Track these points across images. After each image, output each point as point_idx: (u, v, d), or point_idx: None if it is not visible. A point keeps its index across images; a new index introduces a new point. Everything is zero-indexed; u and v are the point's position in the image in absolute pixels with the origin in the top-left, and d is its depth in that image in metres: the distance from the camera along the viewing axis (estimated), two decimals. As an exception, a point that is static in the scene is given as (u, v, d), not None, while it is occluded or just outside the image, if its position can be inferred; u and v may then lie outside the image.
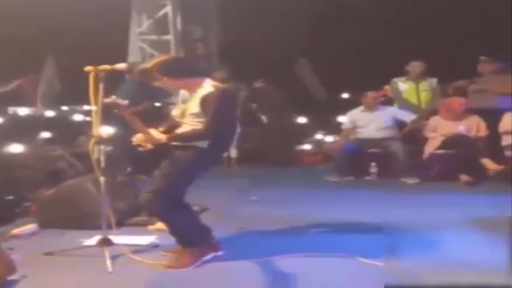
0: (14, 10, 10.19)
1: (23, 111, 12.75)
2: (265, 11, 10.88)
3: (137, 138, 4.35)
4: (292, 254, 4.42)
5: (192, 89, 4.37)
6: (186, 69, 4.42)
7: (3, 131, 10.32)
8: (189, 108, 4.34)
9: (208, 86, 4.31)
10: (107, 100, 4.31)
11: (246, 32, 11.51)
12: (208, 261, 4.39)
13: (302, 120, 11.42)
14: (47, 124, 10.80)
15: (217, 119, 4.20)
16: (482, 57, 8.50)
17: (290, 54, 12.42)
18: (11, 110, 12.99)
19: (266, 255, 4.38)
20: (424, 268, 4.06)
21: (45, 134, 9.85)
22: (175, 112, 4.52)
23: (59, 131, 10.24)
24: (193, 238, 4.42)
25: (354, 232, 5.16)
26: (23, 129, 9.61)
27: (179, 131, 4.39)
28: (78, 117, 12.07)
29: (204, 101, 4.24)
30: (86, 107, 11.23)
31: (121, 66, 4.49)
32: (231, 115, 4.51)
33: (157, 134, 4.32)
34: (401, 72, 9.01)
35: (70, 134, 9.87)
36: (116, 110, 4.37)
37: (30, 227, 5.36)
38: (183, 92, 4.50)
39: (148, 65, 4.36)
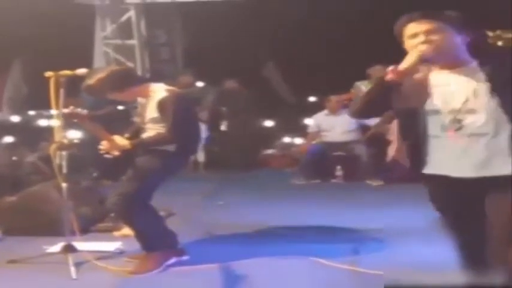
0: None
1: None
2: (230, 14, 10.91)
3: (103, 145, 4.35)
4: (255, 258, 4.46)
5: (144, 96, 4.41)
6: (127, 79, 4.43)
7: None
8: (147, 114, 4.37)
9: (161, 91, 4.36)
10: (65, 110, 4.31)
11: (210, 35, 11.52)
12: (173, 265, 4.40)
13: (270, 123, 11.49)
14: (12, 129, 10.66)
15: (177, 122, 4.23)
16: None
17: (257, 57, 12.49)
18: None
19: (230, 260, 4.41)
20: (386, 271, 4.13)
21: (9, 139, 9.73)
22: (136, 118, 4.54)
23: (24, 136, 10.13)
24: (157, 243, 4.43)
25: (319, 235, 5.22)
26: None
27: (143, 136, 4.41)
28: (43, 122, 11.95)
29: (160, 105, 4.27)
30: (52, 112, 11.10)
31: (82, 71, 4.47)
32: (191, 118, 4.55)
33: (122, 141, 4.32)
34: (364, 76, 9.12)
35: (34, 139, 9.77)
36: (75, 120, 4.37)
37: (-7, 234, 5.31)
38: (140, 99, 4.52)
39: (91, 81, 4.33)
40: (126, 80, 4.41)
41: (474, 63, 2.81)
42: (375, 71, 8.91)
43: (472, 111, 2.73)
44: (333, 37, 11.66)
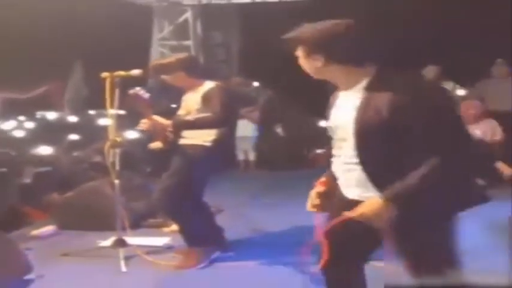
0: (42, 16, 10.43)
1: (50, 115, 12.99)
2: (286, 14, 10.96)
3: (143, 122, 4.47)
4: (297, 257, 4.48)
5: (194, 89, 4.53)
6: (197, 68, 4.64)
7: (32, 134, 10.55)
8: (190, 107, 4.48)
9: (209, 84, 4.50)
10: (131, 91, 4.44)
11: (266, 36, 11.59)
12: (217, 260, 4.50)
13: (322, 123, 11.46)
14: (73, 128, 10.99)
15: (222, 109, 4.30)
16: (499, 60, 8.49)
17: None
18: (39, 114, 13.24)
19: (273, 258, 4.47)
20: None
21: (70, 138, 10.03)
22: (180, 111, 4.65)
23: (85, 135, 10.42)
24: (202, 238, 4.53)
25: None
26: (50, 133, 9.78)
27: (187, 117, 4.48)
28: (103, 122, 12.27)
29: (206, 96, 4.39)
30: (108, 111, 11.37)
31: (136, 72, 4.63)
32: (233, 113, 4.63)
33: (163, 120, 4.46)
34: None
35: (95, 138, 10.05)
36: (136, 103, 4.47)
37: (49, 228, 5.53)
38: (187, 94, 4.64)
39: (171, 58, 4.67)
40: (196, 68, 4.62)
41: (363, 83, 2.45)
42: (429, 71, 8.83)
43: (343, 140, 2.49)
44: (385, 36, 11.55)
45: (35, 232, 5.43)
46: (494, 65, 8.55)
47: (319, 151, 10.34)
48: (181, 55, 4.78)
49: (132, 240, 4.72)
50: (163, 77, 4.61)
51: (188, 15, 11.32)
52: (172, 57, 4.77)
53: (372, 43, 2.52)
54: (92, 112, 13.83)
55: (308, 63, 2.52)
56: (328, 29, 2.47)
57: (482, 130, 8.03)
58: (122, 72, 4.54)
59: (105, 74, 4.53)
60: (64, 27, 11.21)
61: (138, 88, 4.49)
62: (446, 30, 10.56)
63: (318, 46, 2.46)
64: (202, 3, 11.23)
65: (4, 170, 6.16)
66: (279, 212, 6.33)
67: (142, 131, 7.27)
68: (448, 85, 8.90)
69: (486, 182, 7.45)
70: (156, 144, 4.51)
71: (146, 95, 4.46)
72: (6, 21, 10.07)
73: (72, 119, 12.31)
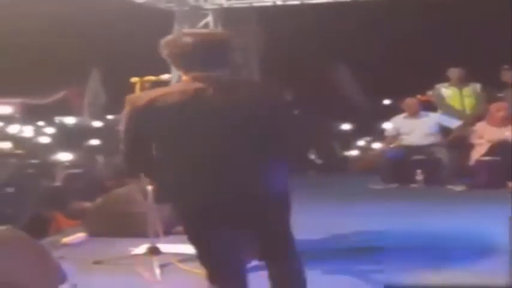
0: (61, 23, 10.43)
1: (69, 120, 13.03)
2: (304, 18, 10.88)
3: None
4: (326, 265, 4.40)
5: None
6: None
7: (51, 139, 10.56)
8: None
9: None
10: (163, 76, 4.35)
11: (286, 40, 11.52)
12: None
13: (346, 126, 11.38)
14: (93, 133, 10.98)
15: None
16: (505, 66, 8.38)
17: (327, 60, 12.41)
18: (57, 119, 13.28)
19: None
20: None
21: (90, 142, 10.01)
22: None
23: (104, 140, 10.40)
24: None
25: (394, 242, 5.09)
26: (69, 138, 9.79)
27: None
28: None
29: None
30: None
31: (166, 76, 4.55)
32: None
33: None
34: (442, 79, 8.91)
35: (114, 142, 10.00)
36: None
37: (80, 235, 5.47)
38: None
39: None
40: None
41: None
42: (455, 73, 8.71)
43: None
44: (409, 36, 11.46)
45: (65, 240, 5.36)
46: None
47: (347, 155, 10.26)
48: None
49: (166, 247, 4.63)
50: None
51: (209, 19, 11.22)
52: None
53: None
54: (110, 117, 13.84)
55: None
56: None
57: (512, 132, 7.91)
58: (152, 77, 4.46)
59: (134, 79, 4.45)
60: (83, 32, 11.20)
61: (167, 75, 4.43)
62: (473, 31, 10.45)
63: None
64: (223, 7, 11.13)
65: (32, 173, 6.11)
66: (307, 216, 6.22)
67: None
68: (475, 87, 8.78)
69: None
70: None
71: None
72: (26, 29, 10.07)
73: (93, 123, 12.30)
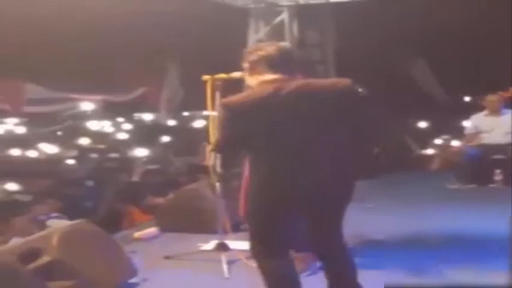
0: (139, 20, 10.64)
1: (147, 117, 13.29)
2: (381, 13, 10.68)
3: None
4: (395, 267, 4.29)
5: None
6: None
7: (129, 135, 10.82)
8: None
9: None
10: (234, 74, 4.34)
11: (362, 36, 11.35)
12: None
13: (423, 124, 11.13)
14: (169, 130, 11.16)
15: None
16: None
17: (406, 56, 12.14)
18: (136, 116, 13.58)
19: (376, 263, 4.28)
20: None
21: (167, 139, 10.18)
22: None
23: (180, 136, 10.56)
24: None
25: (471, 245, 4.93)
26: (146, 135, 9.98)
27: None
28: (199, 124, 12.39)
29: None
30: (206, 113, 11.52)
31: (237, 74, 4.55)
32: None
33: None
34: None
35: (190, 139, 10.14)
36: None
37: (152, 230, 5.56)
38: None
39: None
40: None
41: None
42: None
43: None
44: (488, 31, 11.05)
45: (137, 234, 5.48)
46: None
47: (423, 153, 10.04)
48: None
49: (234, 244, 4.65)
50: None
51: (285, 16, 11.20)
52: None
53: None
54: (186, 114, 14.05)
55: None
56: None
57: None
58: (223, 75, 4.48)
59: (205, 77, 4.49)
60: (161, 30, 11.40)
61: (238, 73, 4.37)
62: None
63: None
64: (299, 3, 11.09)
65: (111, 167, 6.29)
66: (380, 216, 6.13)
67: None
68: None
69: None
70: None
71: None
72: (105, 25, 10.33)
73: (170, 120, 12.50)
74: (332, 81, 3.56)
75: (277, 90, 3.16)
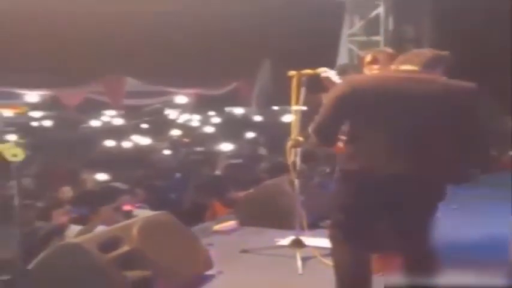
0: (234, 15, 10.78)
1: (238, 111, 13.42)
2: (478, 8, 10.27)
3: None
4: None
5: None
6: None
7: (221, 129, 10.98)
8: None
9: None
10: (322, 73, 4.32)
11: (459, 30, 10.95)
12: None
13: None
14: (256, 125, 11.21)
15: None
16: None
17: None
18: (227, 109, 13.74)
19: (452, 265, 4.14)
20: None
21: (254, 134, 10.24)
22: None
23: (269, 131, 10.59)
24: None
25: None
26: (234, 129, 10.07)
27: None
28: (287, 118, 12.39)
29: None
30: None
31: (322, 70, 4.50)
32: None
33: None
34: None
35: (280, 134, 10.15)
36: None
37: (231, 223, 5.64)
38: None
39: None
40: None
41: None
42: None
43: None
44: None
45: (217, 227, 5.56)
46: None
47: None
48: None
49: (310, 241, 4.64)
50: None
51: (380, 9, 11.04)
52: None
53: None
54: (275, 108, 14.07)
55: None
56: None
57: None
58: (308, 71, 4.47)
59: (291, 73, 4.51)
60: (255, 25, 11.47)
61: (324, 68, 4.34)
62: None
63: None
64: (396, -4, 10.90)
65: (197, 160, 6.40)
66: (464, 218, 5.91)
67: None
68: None
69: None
70: None
71: (336, 78, 4.30)
72: (200, 20, 10.52)
73: (260, 115, 12.56)
74: (458, 83, 3.36)
75: (403, 80, 3.21)
